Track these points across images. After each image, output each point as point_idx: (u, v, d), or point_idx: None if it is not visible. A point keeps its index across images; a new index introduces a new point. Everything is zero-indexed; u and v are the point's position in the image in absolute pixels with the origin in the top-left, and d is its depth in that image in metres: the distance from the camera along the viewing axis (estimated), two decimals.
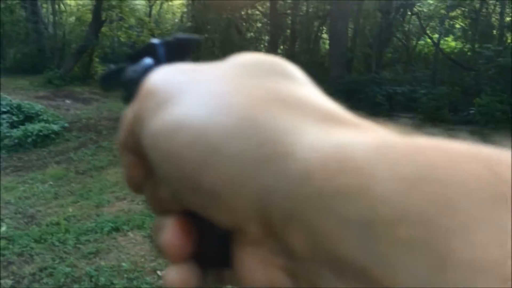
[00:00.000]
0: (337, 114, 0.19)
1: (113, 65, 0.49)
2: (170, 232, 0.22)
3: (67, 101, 10.66)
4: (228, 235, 0.20)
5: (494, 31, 12.12)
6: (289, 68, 0.22)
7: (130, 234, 3.90)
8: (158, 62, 0.33)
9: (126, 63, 0.41)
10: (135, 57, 0.37)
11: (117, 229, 3.97)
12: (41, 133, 7.22)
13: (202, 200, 0.19)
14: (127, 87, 0.36)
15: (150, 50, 0.35)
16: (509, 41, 11.99)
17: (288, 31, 14.12)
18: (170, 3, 20.19)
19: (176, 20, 19.95)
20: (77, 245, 3.65)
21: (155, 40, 0.35)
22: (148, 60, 0.34)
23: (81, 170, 5.93)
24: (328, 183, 0.15)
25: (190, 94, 0.20)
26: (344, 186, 0.15)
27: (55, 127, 7.71)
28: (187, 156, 0.19)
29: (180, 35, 0.33)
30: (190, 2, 16.92)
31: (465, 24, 13.40)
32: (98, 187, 5.16)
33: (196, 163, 0.18)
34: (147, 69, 0.32)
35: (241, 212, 0.18)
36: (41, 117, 7.97)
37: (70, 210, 4.44)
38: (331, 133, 0.17)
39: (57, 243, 3.67)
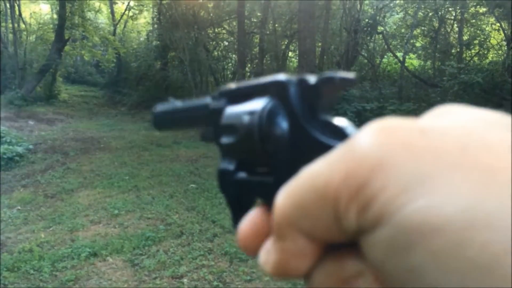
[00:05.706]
0: None
1: (175, 100, 0.41)
2: None
3: (30, 122, 10.27)
4: None
5: (453, 49, 12.62)
6: None
7: (110, 259, 3.73)
8: (286, 105, 0.27)
9: (217, 100, 0.33)
10: (237, 96, 0.31)
11: (95, 254, 3.79)
12: (5, 156, 6.91)
13: None
14: (229, 131, 0.30)
15: (267, 89, 0.29)
16: (468, 58, 12.54)
17: (256, 49, 14.23)
18: (135, 22, 20.03)
19: (142, 39, 19.73)
20: (54, 273, 3.46)
21: (281, 77, 0.28)
22: (269, 102, 0.28)
23: (50, 193, 5.67)
24: None
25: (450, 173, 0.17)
26: None
27: (19, 149, 7.40)
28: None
29: (330, 73, 0.26)
30: (156, 21, 16.81)
31: (425, 42, 13.90)
32: (70, 211, 4.93)
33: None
34: (272, 114, 0.27)
35: None
36: (4, 139, 7.62)
37: (42, 235, 4.21)
38: None
39: (31, 271, 3.46)
